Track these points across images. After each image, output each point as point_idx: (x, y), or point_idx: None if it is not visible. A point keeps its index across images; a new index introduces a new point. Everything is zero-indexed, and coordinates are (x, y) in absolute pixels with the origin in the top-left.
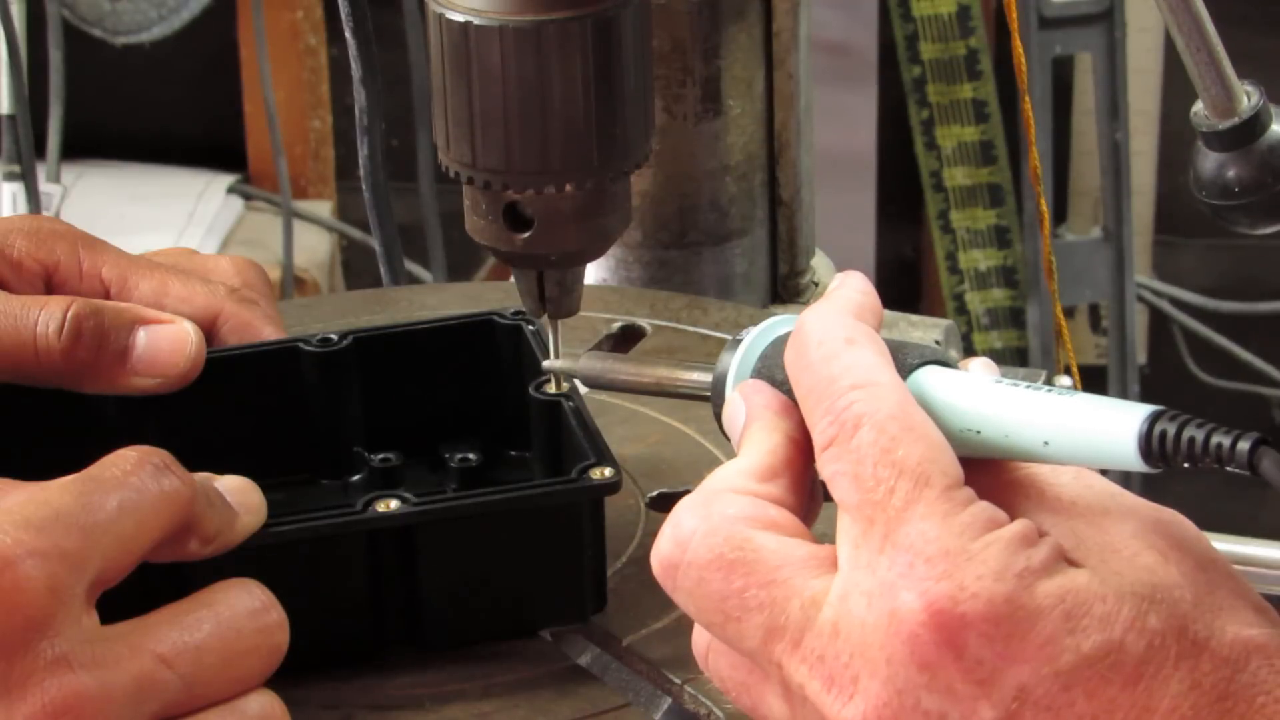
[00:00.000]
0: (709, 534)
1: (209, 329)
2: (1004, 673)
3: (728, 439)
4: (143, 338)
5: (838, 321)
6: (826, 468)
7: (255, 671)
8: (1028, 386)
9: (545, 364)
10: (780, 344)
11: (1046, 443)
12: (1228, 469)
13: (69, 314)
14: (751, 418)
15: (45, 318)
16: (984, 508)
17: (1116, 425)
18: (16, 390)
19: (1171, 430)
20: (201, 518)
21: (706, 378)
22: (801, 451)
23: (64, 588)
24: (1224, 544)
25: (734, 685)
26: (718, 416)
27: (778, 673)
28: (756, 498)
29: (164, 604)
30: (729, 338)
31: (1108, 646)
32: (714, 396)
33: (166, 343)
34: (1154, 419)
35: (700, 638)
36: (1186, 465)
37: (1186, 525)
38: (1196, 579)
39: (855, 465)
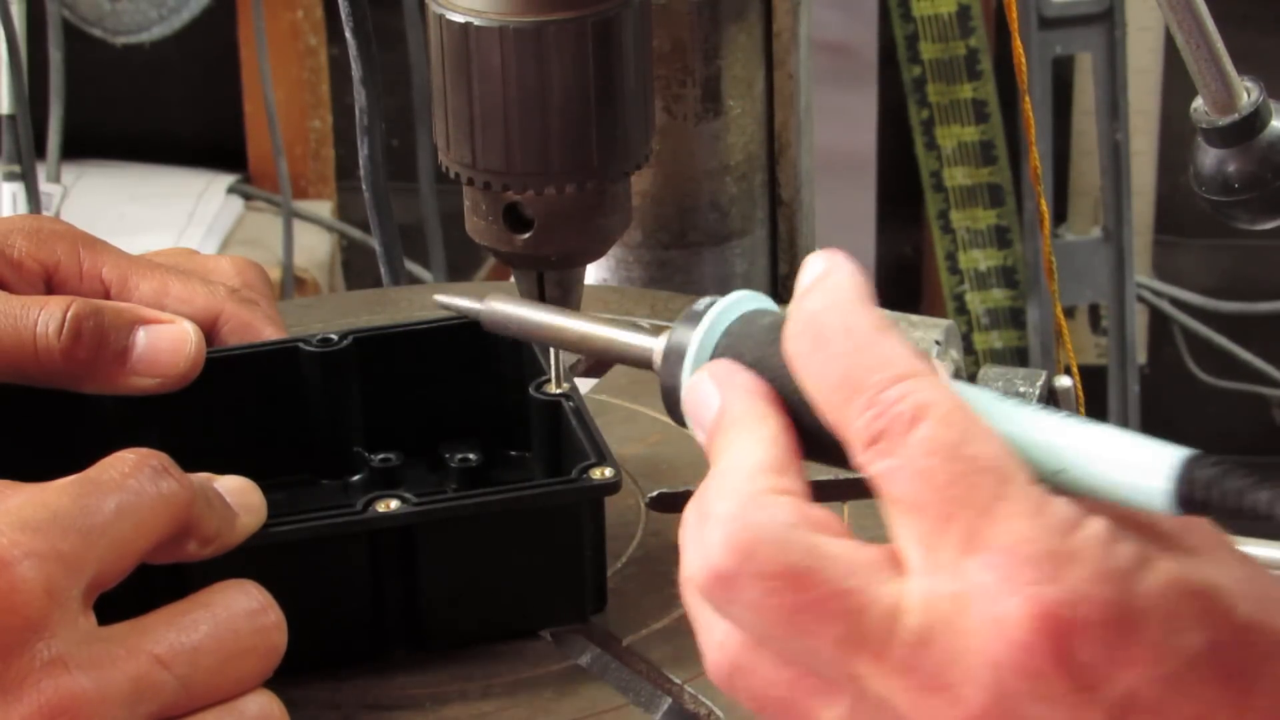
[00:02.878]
0: (773, 543)
1: (209, 329)
2: (1113, 677)
3: (674, 419)
4: (142, 338)
5: (861, 310)
6: (875, 464)
7: (253, 672)
8: (1041, 408)
9: (436, 297)
10: (749, 321)
11: (1060, 471)
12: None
13: (69, 314)
14: (734, 403)
15: (45, 318)
16: (1065, 503)
17: (1147, 464)
18: (16, 390)
19: (1208, 476)
20: (200, 519)
21: (649, 343)
22: (795, 441)
23: (61, 589)
24: None
25: (773, 703)
26: (666, 390)
27: (852, 686)
28: (793, 498)
29: (163, 605)
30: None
31: (1209, 644)
32: (664, 369)
33: (166, 343)
34: (1191, 465)
35: (722, 655)
36: (1218, 515)
37: None
38: (1264, 572)
39: (922, 459)
